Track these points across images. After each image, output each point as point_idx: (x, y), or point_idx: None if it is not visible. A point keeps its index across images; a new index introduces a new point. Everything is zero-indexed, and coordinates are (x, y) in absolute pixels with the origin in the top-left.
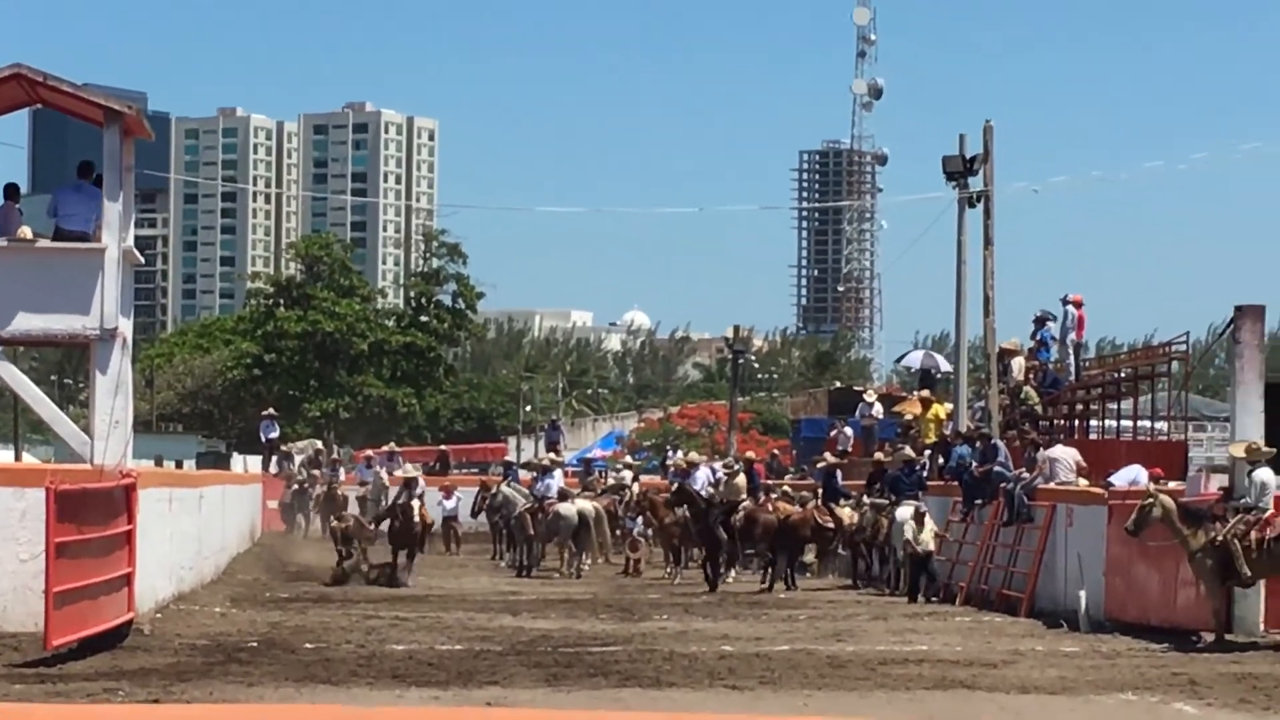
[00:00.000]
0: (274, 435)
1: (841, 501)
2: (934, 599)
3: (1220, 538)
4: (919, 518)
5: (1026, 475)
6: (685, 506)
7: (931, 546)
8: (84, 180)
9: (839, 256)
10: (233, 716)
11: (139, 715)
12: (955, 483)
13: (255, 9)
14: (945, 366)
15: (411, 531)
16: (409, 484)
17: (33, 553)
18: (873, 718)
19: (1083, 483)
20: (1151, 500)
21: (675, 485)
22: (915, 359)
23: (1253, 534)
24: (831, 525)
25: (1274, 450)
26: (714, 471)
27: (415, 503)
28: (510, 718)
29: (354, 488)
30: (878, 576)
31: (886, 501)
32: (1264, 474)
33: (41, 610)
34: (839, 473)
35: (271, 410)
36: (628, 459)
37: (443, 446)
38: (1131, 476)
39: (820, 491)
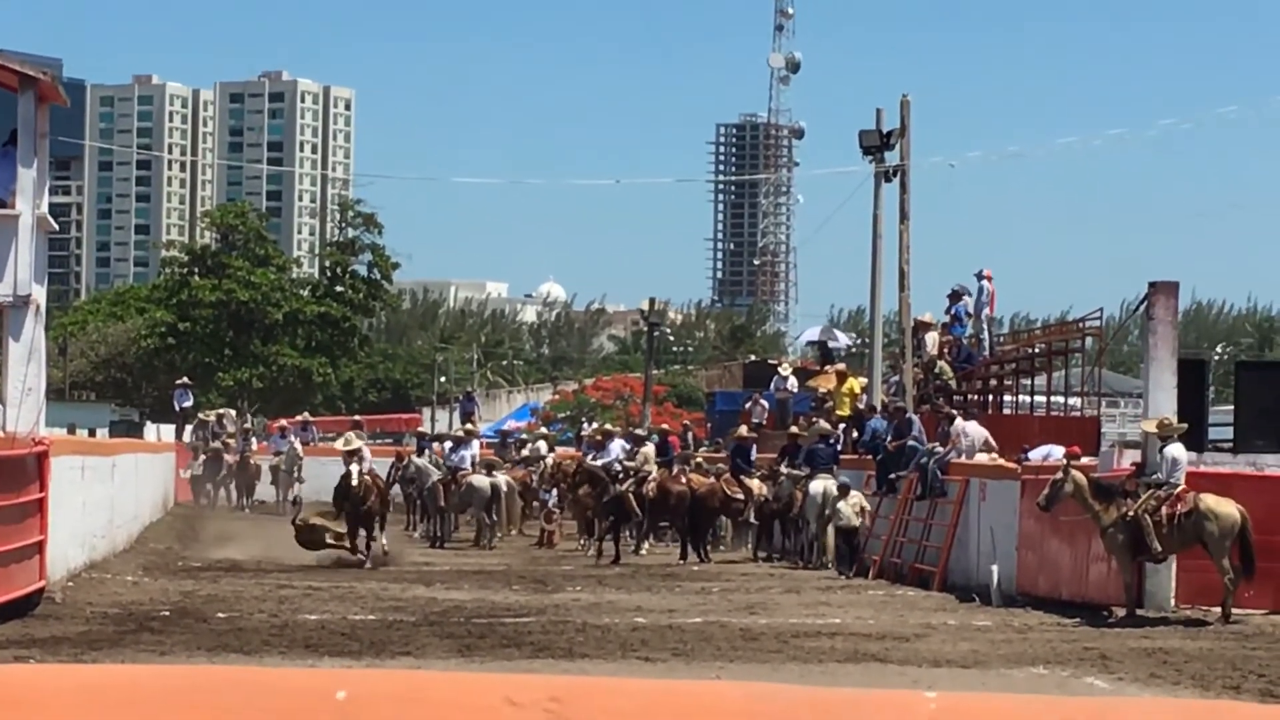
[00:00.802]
0: (188, 404)
1: (752, 474)
2: (848, 574)
3: (1132, 513)
4: (843, 491)
5: (940, 449)
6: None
7: (855, 522)
8: (11, 147)
9: (755, 230)
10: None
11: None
12: (870, 456)
13: None
14: (843, 340)
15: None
16: (352, 456)
17: None
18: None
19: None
20: (1063, 476)
21: (576, 465)
22: (813, 333)
23: (1164, 509)
24: (741, 497)
25: (1185, 426)
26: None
27: (354, 470)
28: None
29: (267, 458)
30: (791, 550)
31: (803, 474)
32: (1175, 449)
33: None
34: (754, 446)
35: (186, 379)
36: (543, 430)
37: (357, 417)
38: (1043, 453)
39: (731, 464)
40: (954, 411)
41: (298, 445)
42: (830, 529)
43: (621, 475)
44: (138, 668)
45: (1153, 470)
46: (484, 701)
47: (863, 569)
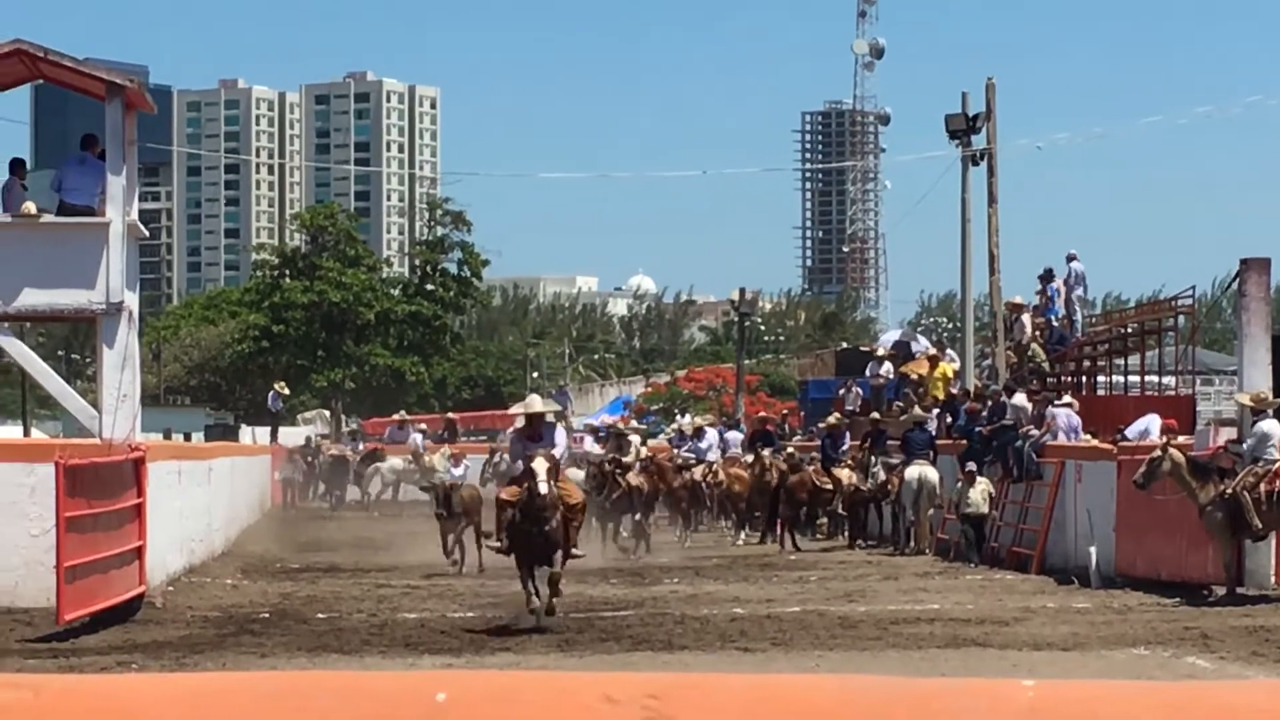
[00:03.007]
0: (280, 408)
1: (841, 463)
2: (975, 561)
3: (1230, 490)
4: (970, 478)
5: (1035, 431)
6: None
7: (984, 509)
8: (88, 153)
9: (843, 217)
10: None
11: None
12: (964, 441)
13: None
14: (922, 344)
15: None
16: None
17: (43, 528)
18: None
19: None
20: (1161, 454)
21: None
22: (893, 335)
23: (1262, 486)
24: (830, 487)
25: (1276, 400)
26: (720, 434)
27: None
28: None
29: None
30: (888, 536)
31: (895, 461)
32: (1269, 424)
33: (53, 585)
34: (846, 434)
35: (282, 384)
36: (634, 424)
37: (450, 414)
38: (1144, 427)
39: (821, 453)
40: (1048, 396)
41: (418, 441)
42: (925, 514)
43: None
44: (231, 675)
45: (1243, 443)
46: (582, 700)
47: (992, 557)
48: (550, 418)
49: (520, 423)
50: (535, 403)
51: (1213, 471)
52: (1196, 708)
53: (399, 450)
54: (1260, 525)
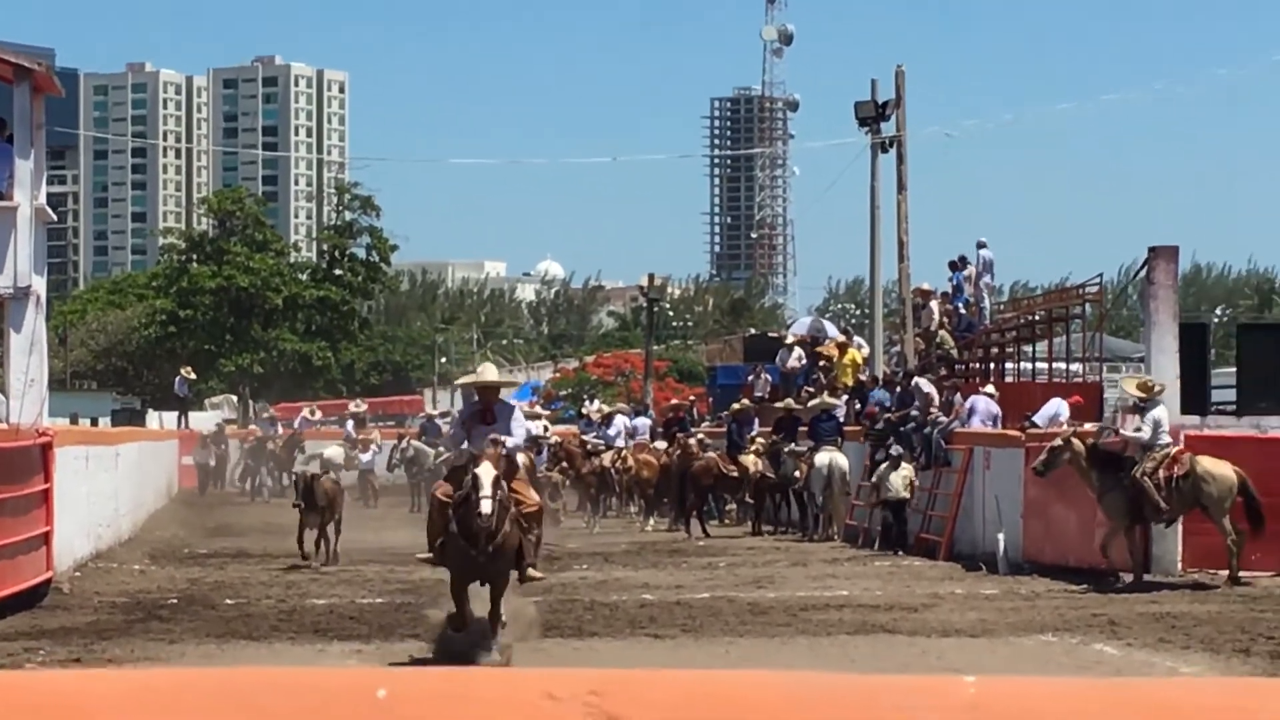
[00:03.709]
0: (186, 394)
1: (746, 449)
2: (897, 550)
3: (1130, 477)
4: (894, 463)
5: (944, 419)
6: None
7: (904, 494)
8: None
9: (751, 204)
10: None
11: (97, 681)
12: (872, 426)
13: None
14: (832, 333)
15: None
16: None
17: None
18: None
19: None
20: (1063, 443)
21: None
22: (803, 325)
23: (1161, 472)
24: (736, 474)
25: (1165, 386)
26: (629, 420)
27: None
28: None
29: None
30: (795, 523)
31: (804, 450)
32: (1159, 411)
33: None
34: (754, 420)
35: (188, 369)
36: (538, 409)
37: (358, 400)
38: (1053, 411)
39: (726, 439)
40: (957, 383)
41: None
42: (835, 501)
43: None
44: (178, 671)
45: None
46: (524, 697)
47: (906, 543)
48: (507, 395)
49: (457, 404)
50: (489, 372)
51: (1112, 459)
52: (1138, 703)
53: (313, 437)
54: (1166, 509)
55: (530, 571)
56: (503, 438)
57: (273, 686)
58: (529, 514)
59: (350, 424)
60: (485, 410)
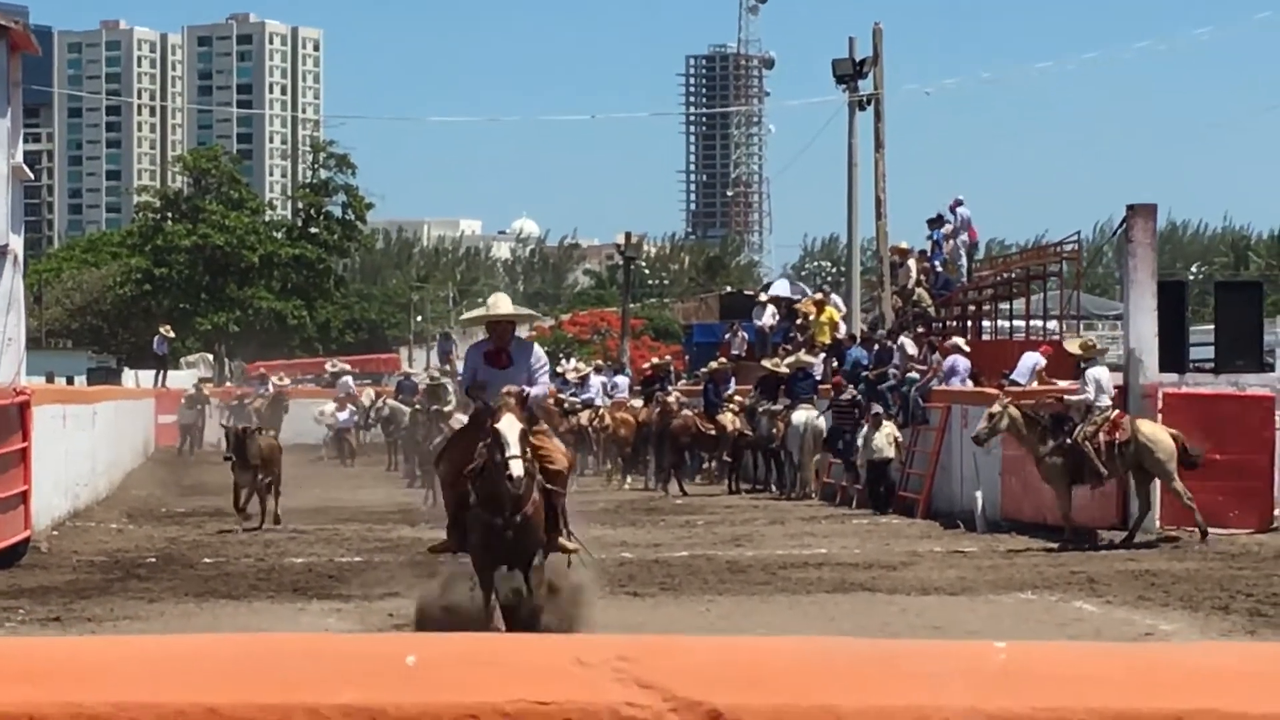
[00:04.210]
0: (164, 352)
1: (724, 408)
2: (889, 510)
3: (1070, 440)
4: (875, 422)
5: (920, 375)
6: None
7: (890, 453)
8: None
9: (727, 162)
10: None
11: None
12: (850, 386)
13: None
14: (808, 294)
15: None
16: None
17: None
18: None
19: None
20: (1000, 410)
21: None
22: (783, 287)
23: (1101, 436)
24: (713, 432)
25: (1106, 349)
26: (605, 379)
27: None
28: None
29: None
30: (773, 482)
31: (780, 408)
32: (1099, 371)
33: None
34: (731, 379)
35: (167, 328)
36: None
37: (336, 359)
38: (1030, 364)
39: (704, 398)
40: (934, 340)
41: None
42: (812, 459)
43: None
44: (193, 638)
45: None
46: (552, 662)
47: (897, 503)
48: (523, 330)
49: (433, 361)
50: (501, 303)
51: (1049, 423)
52: (1166, 669)
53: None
54: (1105, 473)
55: (563, 542)
56: (523, 387)
57: (298, 653)
58: (554, 473)
59: (349, 380)
60: (498, 352)
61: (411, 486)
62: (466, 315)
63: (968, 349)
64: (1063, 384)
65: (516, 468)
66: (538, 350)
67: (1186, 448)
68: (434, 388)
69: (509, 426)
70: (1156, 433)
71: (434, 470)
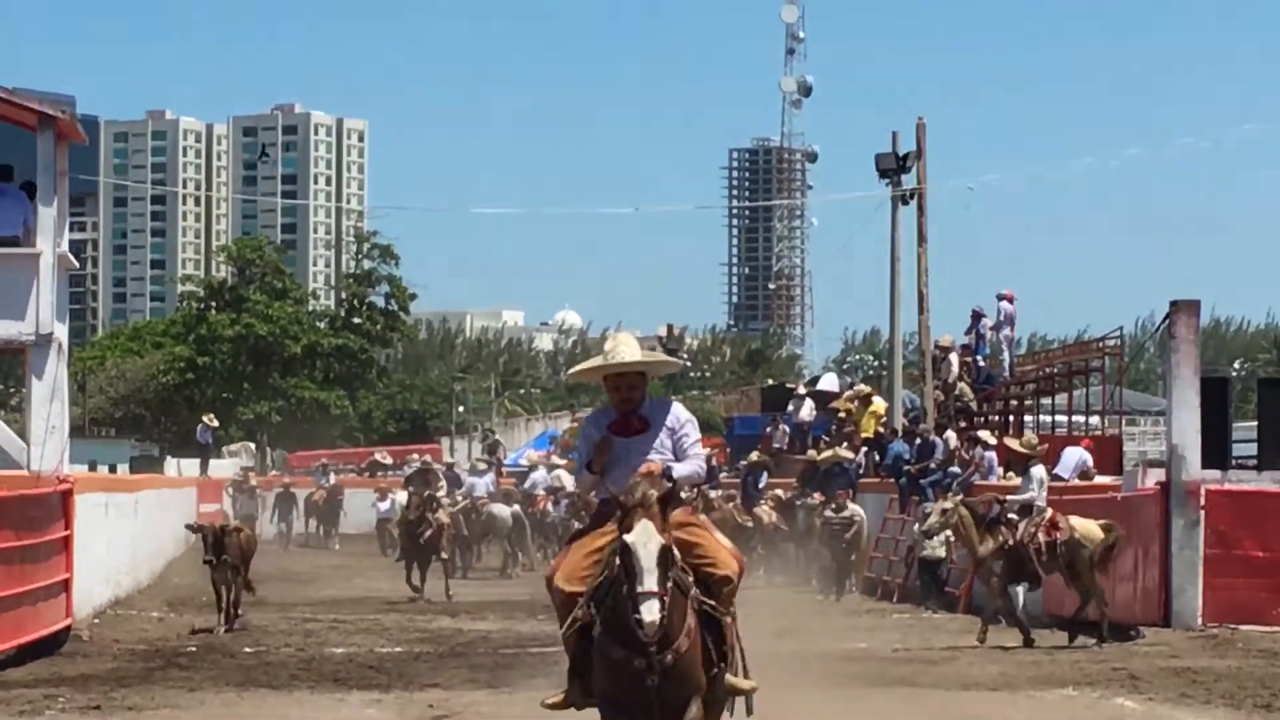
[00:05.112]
0: (208, 441)
1: (759, 501)
2: (934, 607)
3: (1011, 542)
4: (923, 518)
5: (962, 471)
6: None
7: (940, 553)
8: (7, 184)
9: (770, 254)
10: None
11: None
12: (891, 480)
13: (181, 10)
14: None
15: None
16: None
17: None
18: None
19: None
20: (952, 508)
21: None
22: (830, 382)
23: (1040, 536)
24: (750, 524)
25: (1045, 447)
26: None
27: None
28: None
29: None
30: (811, 576)
31: (816, 503)
32: (1040, 470)
33: None
34: (765, 473)
35: (211, 417)
36: (555, 459)
37: (377, 450)
38: (1076, 459)
39: (741, 491)
40: (982, 434)
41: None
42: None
43: None
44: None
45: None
46: None
47: (948, 601)
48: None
49: (475, 451)
50: (626, 348)
51: (996, 524)
52: None
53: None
54: (1043, 575)
55: (732, 680)
56: (664, 462)
57: None
58: (719, 580)
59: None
60: (626, 418)
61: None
62: (579, 368)
63: (992, 440)
64: (1107, 480)
65: (650, 611)
66: (680, 410)
67: (1113, 548)
68: (424, 472)
69: (644, 539)
70: (1089, 529)
71: (428, 558)
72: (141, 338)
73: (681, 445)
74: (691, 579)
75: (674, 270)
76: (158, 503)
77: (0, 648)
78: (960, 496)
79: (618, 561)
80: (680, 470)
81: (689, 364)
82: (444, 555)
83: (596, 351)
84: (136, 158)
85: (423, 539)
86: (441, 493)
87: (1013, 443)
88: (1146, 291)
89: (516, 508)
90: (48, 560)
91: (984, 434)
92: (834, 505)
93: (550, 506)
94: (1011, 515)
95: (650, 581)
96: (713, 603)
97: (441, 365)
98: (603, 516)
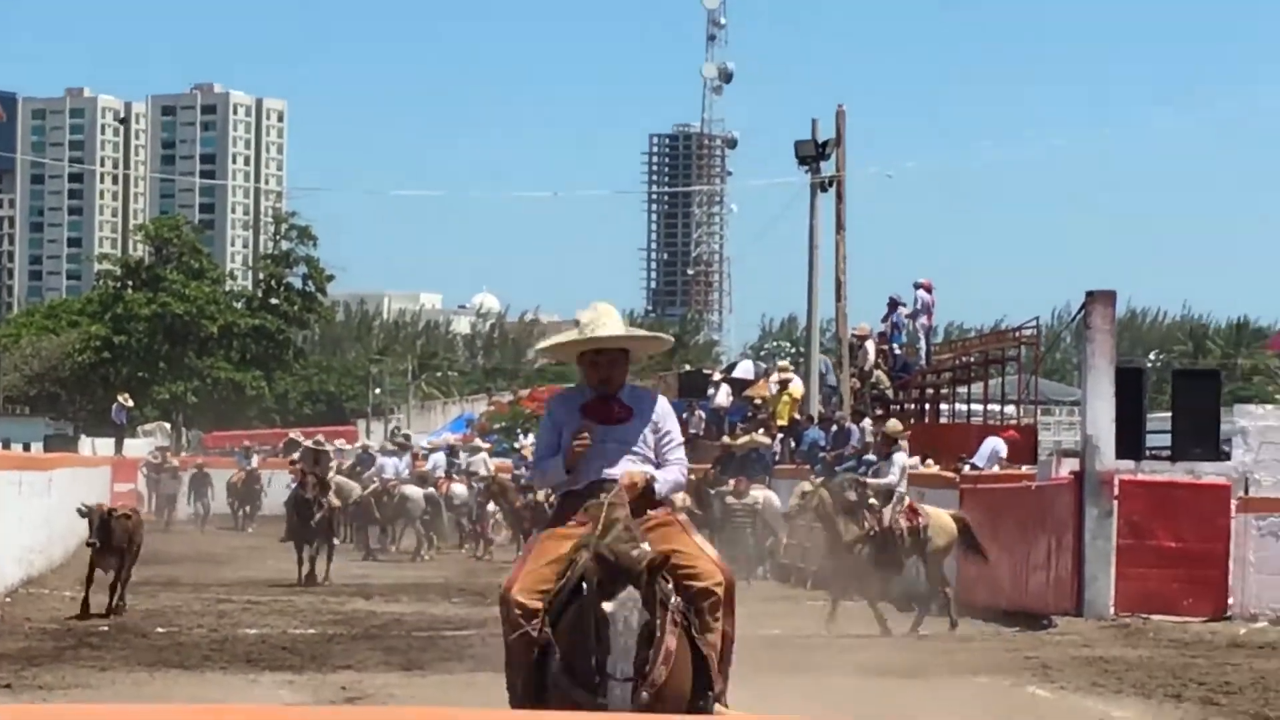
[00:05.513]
0: (123, 421)
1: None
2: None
3: (877, 528)
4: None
5: (876, 459)
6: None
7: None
8: None
9: (689, 240)
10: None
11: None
12: (807, 466)
13: None
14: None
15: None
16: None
17: None
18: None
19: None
20: (812, 490)
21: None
22: (746, 369)
23: (903, 521)
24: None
25: (908, 432)
26: None
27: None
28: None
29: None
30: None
31: (729, 488)
32: (904, 457)
33: None
34: None
35: (127, 397)
36: (477, 441)
37: (293, 431)
38: (991, 448)
39: None
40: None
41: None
42: (768, 539)
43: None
44: (150, 708)
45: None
46: None
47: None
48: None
49: (423, 414)
50: (607, 320)
51: (858, 509)
52: None
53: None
54: (904, 561)
55: (719, 709)
56: (646, 469)
57: None
58: (700, 593)
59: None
60: (604, 402)
61: (366, 559)
62: (550, 342)
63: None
64: (1025, 469)
65: (618, 700)
66: (666, 405)
67: (973, 533)
68: (314, 452)
69: (625, 610)
70: (943, 520)
71: (320, 541)
72: (57, 316)
73: (663, 446)
74: (671, 586)
75: (592, 255)
76: (72, 482)
77: None
78: (821, 480)
79: (592, 589)
80: (665, 484)
81: (459, 415)
82: (335, 539)
83: (514, 335)
84: (54, 135)
85: (313, 521)
86: (332, 474)
87: (887, 427)
88: (1063, 281)
89: (432, 490)
90: None
91: (893, 423)
92: (734, 492)
93: (456, 488)
94: (872, 501)
95: (624, 665)
96: (698, 625)
97: (358, 347)
98: (565, 512)
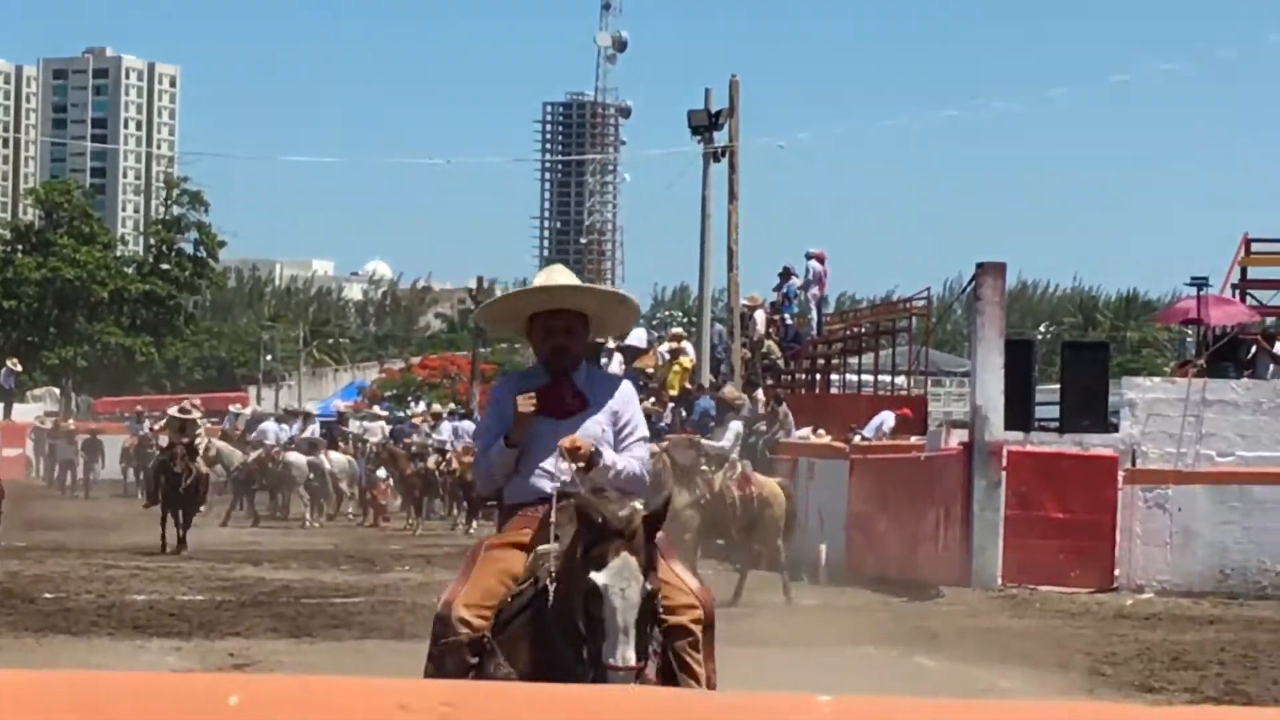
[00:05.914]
0: (11, 387)
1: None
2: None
3: (709, 496)
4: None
5: (766, 428)
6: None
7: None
8: None
9: (581, 209)
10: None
11: None
12: (698, 436)
13: None
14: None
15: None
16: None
17: None
18: None
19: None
20: (657, 453)
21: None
22: (639, 337)
23: (736, 490)
24: None
25: (746, 400)
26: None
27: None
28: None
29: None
30: None
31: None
32: (739, 424)
33: None
34: None
35: (14, 361)
36: (376, 409)
37: (187, 398)
38: (879, 422)
39: None
40: (781, 392)
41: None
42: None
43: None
44: (34, 674)
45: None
46: (379, 705)
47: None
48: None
49: (285, 400)
50: (558, 278)
51: (694, 475)
52: None
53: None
54: (734, 529)
55: None
56: (610, 457)
57: (122, 691)
58: (675, 629)
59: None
60: (558, 389)
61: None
62: (492, 300)
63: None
64: (914, 439)
65: (621, 656)
66: (630, 390)
67: (794, 508)
68: (183, 421)
69: (621, 582)
70: (775, 489)
71: (189, 508)
72: None
73: (624, 437)
74: (651, 628)
75: (485, 223)
76: None
77: None
78: (666, 444)
79: (579, 595)
80: (612, 457)
81: (350, 383)
82: (202, 507)
83: (406, 302)
84: None
85: (182, 488)
86: (200, 440)
87: (726, 392)
88: (954, 253)
89: (317, 457)
90: None
91: (729, 389)
92: None
93: (335, 456)
94: (704, 467)
95: (625, 649)
96: (677, 651)
97: (250, 313)
98: (510, 523)
